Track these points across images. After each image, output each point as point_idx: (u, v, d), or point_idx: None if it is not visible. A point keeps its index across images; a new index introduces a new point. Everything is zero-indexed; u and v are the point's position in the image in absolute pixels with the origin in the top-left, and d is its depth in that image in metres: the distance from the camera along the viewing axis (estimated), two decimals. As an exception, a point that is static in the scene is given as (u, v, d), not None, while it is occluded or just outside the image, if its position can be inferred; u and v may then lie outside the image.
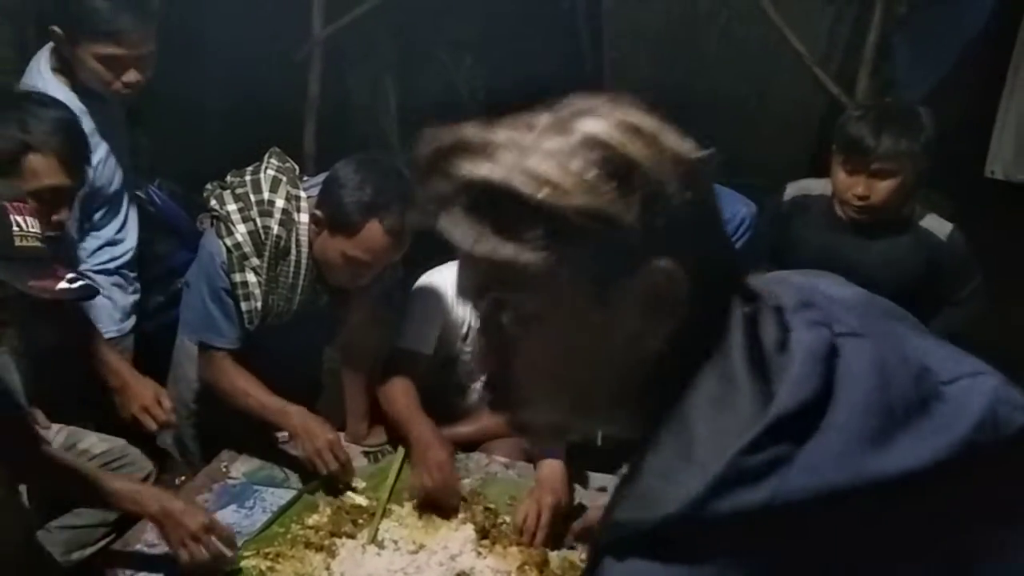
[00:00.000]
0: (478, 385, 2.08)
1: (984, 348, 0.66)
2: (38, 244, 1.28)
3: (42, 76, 1.81)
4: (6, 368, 1.48)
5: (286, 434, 1.81)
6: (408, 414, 1.82)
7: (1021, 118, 2.83)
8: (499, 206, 0.57)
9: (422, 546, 1.56)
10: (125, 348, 1.98)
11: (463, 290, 0.64)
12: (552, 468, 1.70)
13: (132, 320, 2.01)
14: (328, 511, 1.65)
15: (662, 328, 0.58)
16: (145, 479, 1.73)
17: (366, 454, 1.88)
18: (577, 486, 1.76)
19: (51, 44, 1.82)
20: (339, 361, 1.99)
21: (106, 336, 1.91)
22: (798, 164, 2.17)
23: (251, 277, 1.75)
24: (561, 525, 1.61)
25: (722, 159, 0.61)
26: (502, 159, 0.57)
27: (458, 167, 0.58)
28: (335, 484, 1.70)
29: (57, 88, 1.78)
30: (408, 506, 1.67)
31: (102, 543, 1.61)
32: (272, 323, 1.81)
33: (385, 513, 1.65)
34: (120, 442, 1.77)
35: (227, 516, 1.62)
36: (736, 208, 2.17)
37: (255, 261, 1.75)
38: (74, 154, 1.54)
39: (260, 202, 1.75)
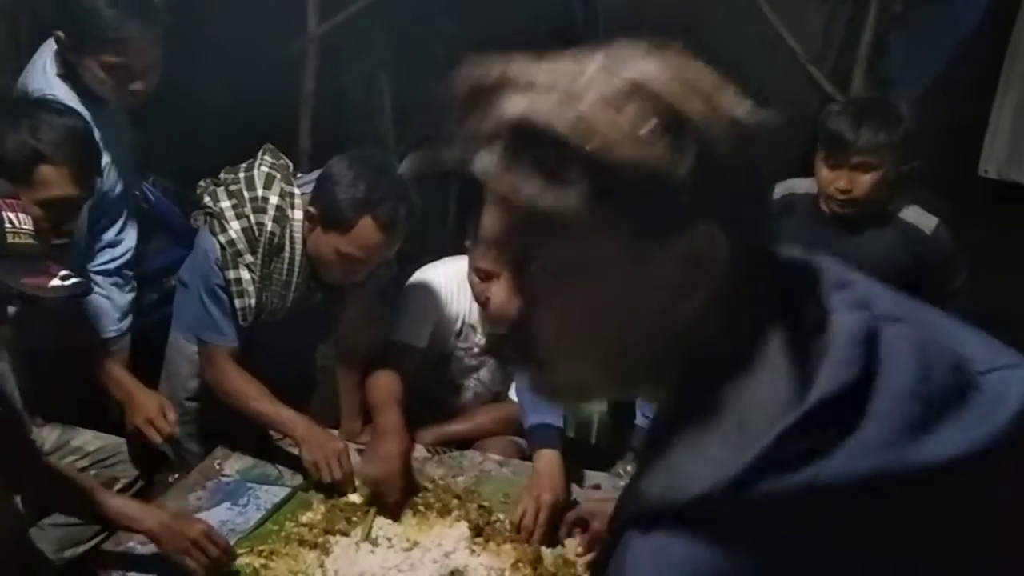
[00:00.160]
0: (472, 383, 2.08)
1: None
2: (31, 241, 1.27)
3: (48, 80, 1.78)
4: (3, 377, 1.47)
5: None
6: (381, 403, 1.81)
7: (1015, 117, 2.84)
8: (543, 150, 0.54)
9: (416, 543, 1.56)
10: (123, 347, 1.98)
11: (490, 237, 0.60)
12: (550, 460, 1.70)
13: (130, 319, 2.00)
14: (322, 509, 1.64)
15: (698, 294, 0.55)
16: (133, 483, 1.73)
17: (360, 451, 1.87)
18: (572, 484, 1.76)
19: (54, 47, 1.80)
20: (333, 358, 1.99)
21: (106, 336, 1.91)
22: (792, 163, 2.17)
23: (245, 274, 1.75)
24: (558, 522, 1.61)
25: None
26: (550, 101, 0.53)
27: (501, 104, 0.55)
28: (333, 489, 1.69)
29: (64, 94, 1.76)
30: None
31: (94, 541, 1.60)
32: (266, 320, 1.81)
33: (379, 510, 1.64)
34: (113, 440, 1.77)
35: (221, 514, 1.61)
36: None
37: (249, 258, 1.74)
38: (85, 165, 1.53)
39: (254, 199, 1.75)
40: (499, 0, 3.03)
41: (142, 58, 1.75)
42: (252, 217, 1.73)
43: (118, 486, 1.72)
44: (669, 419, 0.57)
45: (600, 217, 0.54)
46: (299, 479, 1.73)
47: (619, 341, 0.58)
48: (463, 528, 1.60)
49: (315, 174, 1.79)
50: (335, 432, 1.90)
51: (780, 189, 2.15)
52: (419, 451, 1.84)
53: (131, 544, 1.51)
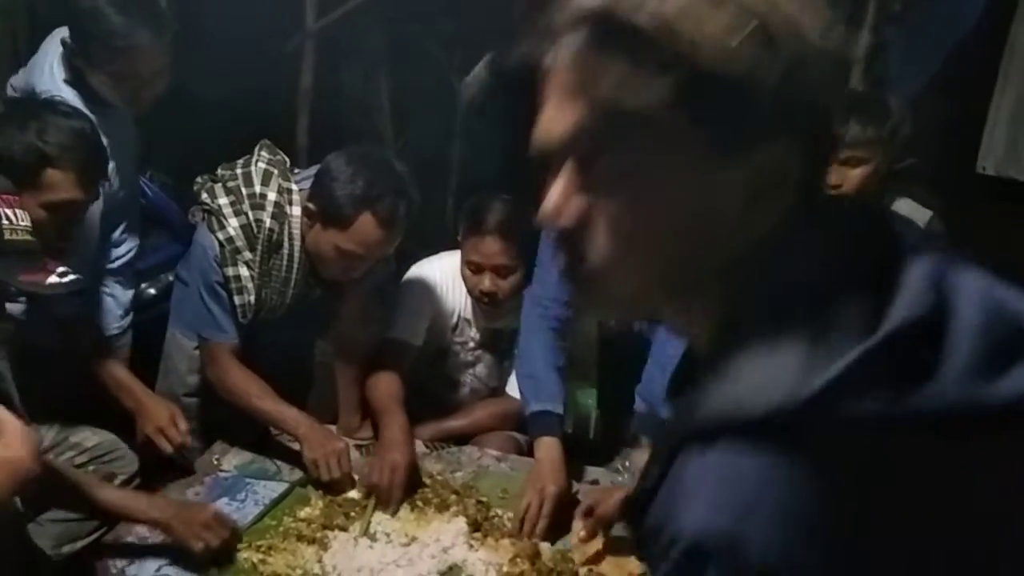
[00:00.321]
0: (469, 378, 2.08)
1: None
2: (28, 237, 1.27)
3: (56, 84, 1.76)
4: (1, 374, 1.47)
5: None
6: (384, 406, 1.81)
7: (1013, 114, 2.84)
8: (630, 42, 0.51)
9: (414, 539, 1.56)
10: (125, 343, 1.98)
11: (557, 132, 0.56)
12: (551, 448, 1.70)
13: (131, 316, 2.01)
14: (320, 504, 1.65)
15: (767, 212, 0.54)
16: (131, 478, 1.73)
17: (358, 447, 1.87)
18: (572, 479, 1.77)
19: (60, 50, 1.78)
20: (332, 354, 1.99)
21: (109, 333, 1.91)
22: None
23: (244, 271, 1.75)
24: (559, 516, 1.61)
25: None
26: None
27: None
28: (332, 487, 1.69)
29: (72, 100, 1.73)
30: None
31: (93, 536, 1.60)
32: (266, 317, 1.81)
33: (377, 506, 1.65)
34: (111, 436, 1.77)
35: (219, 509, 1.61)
36: None
37: (248, 255, 1.74)
38: (91, 168, 1.52)
39: (252, 195, 1.74)
40: (497, -4, 3.02)
41: (151, 65, 1.73)
42: (251, 214, 1.73)
43: (117, 481, 1.71)
44: (720, 342, 0.55)
45: (680, 118, 0.52)
46: (297, 474, 1.73)
47: (679, 253, 0.55)
48: (461, 523, 1.60)
49: (313, 170, 1.79)
50: (334, 428, 1.91)
51: None
52: (417, 447, 1.84)
53: (129, 539, 1.52)
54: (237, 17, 2.76)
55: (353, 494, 1.69)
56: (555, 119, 0.56)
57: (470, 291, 1.95)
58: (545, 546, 1.57)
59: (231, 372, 1.78)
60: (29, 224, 1.35)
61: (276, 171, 1.78)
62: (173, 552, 1.47)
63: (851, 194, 1.94)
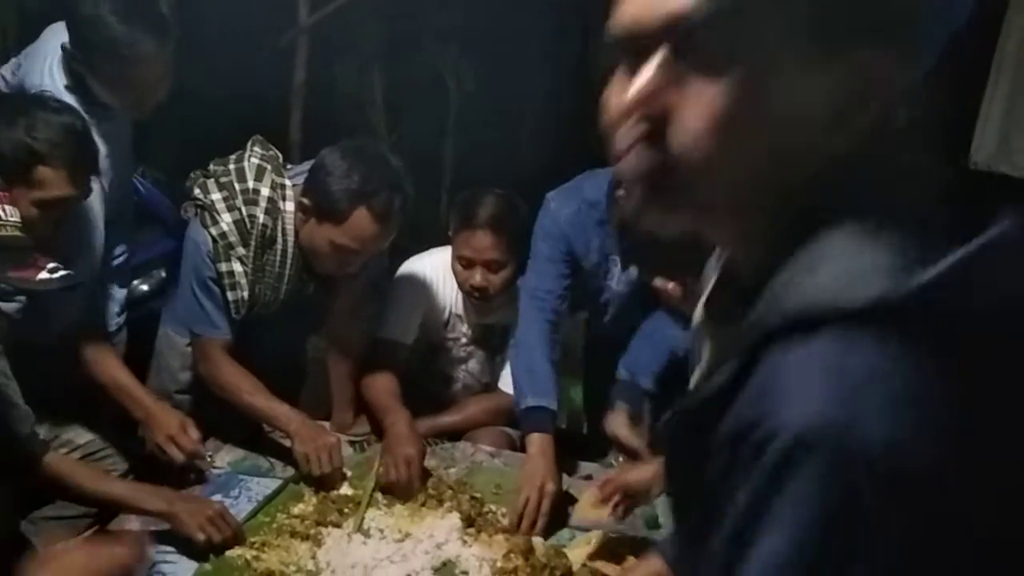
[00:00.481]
0: (461, 374, 2.08)
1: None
2: (18, 234, 1.27)
3: (56, 88, 1.72)
4: (2, 376, 1.46)
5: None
6: (386, 404, 1.82)
7: (1005, 110, 2.85)
8: None
9: (408, 534, 1.56)
10: (120, 340, 1.97)
11: (649, 13, 0.53)
12: (545, 444, 1.69)
13: (125, 313, 2.00)
14: (314, 500, 1.65)
15: (858, 121, 0.53)
16: (123, 476, 1.72)
17: (352, 443, 1.88)
18: (564, 475, 1.77)
19: (58, 51, 1.74)
20: (325, 350, 1.99)
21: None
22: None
23: (237, 266, 1.74)
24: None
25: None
26: None
27: None
28: (322, 482, 1.69)
29: (73, 106, 1.68)
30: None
31: (85, 534, 1.60)
32: (259, 313, 1.80)
33: (371, 502, 1.65)
34: (103, 433, 1.76)
35: (212, 506, 1.62)
36: None
37: (241, 250, 1.74)
38: (82, 165, 1.51)
39: (245, 191, 1.74)
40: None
41: (154, 72, 1.71)
42: (244, 209, 1.73)
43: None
44: (792, 247, 0.53)
45: (783, 11, 0.50)
46: (291, 471, 1.73)
47: (772, 150, 0.53)
48: (455, 519, 1.60)
49: (306, 165, 1.79)
50: (327, 424, 1.91)
51: None
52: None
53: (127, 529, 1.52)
54: (230, 12, 2.75)
55: (347, 490, 1.69)
56: (634, 3, 0.54)
57: (461, 286, 1.95)
58: (538, 541, 1.57)
59: (223, 368, 1.77)
60: (19, 220, 1.34)
61: (269, 166, 1.77)
62: (165, 549, 1.47)
63: None
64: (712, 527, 0.53)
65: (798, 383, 0.48)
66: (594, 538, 1.59)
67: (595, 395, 2.13)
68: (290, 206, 1.75)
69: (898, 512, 0.46)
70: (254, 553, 1.48)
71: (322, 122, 3.18)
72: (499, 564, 1.49)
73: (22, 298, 1.56)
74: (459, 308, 2.02)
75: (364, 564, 1.47)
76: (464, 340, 2.06)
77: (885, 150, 0.54)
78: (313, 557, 1.49)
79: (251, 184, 1.74)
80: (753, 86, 0.51)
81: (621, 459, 1.90)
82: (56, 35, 1.79)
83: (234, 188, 1.74)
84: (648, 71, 0.54)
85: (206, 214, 1.74)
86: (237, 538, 1.50)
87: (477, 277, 1.89)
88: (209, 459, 1.76)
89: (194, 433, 1.64)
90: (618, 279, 1.94)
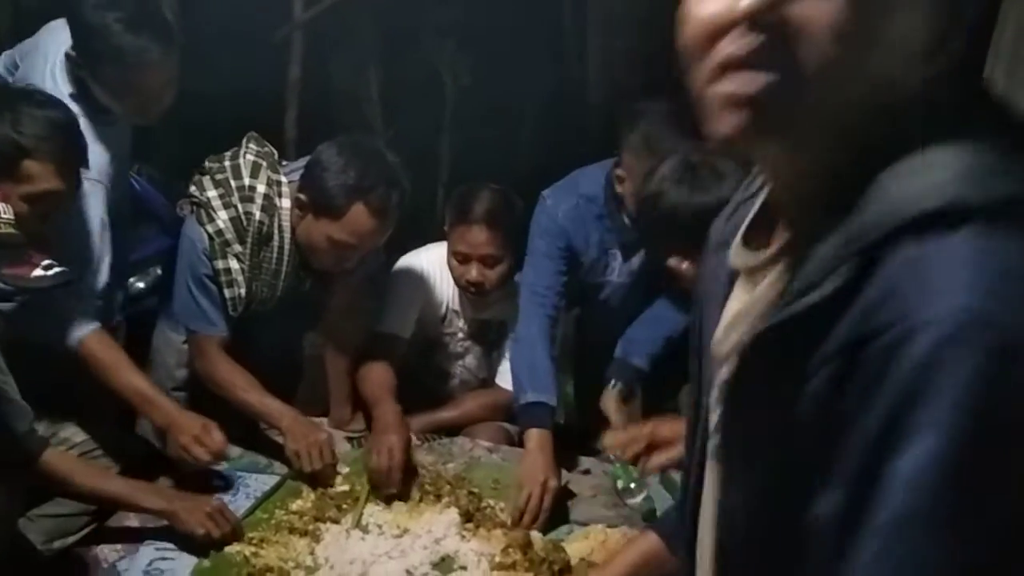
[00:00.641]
0: (458, 370, 2.08)
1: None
2: (11, 231, 1.26)
3: (59, 93, 1.68)
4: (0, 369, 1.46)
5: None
6: (377, 395, 1.82)
7: (1002, 93, 2.85)
8: None
9: (406, 530, 1.56)
10: (118, 338, 1.96)
11: None
12: (543, 440, 1.69)
13: (124, 312, 2.00)
14: (312, 496, 1.65)
15: (945, 52, 0.53)
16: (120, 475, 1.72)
17: (349, 439, 1.87)
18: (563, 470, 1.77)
19: (60, 53, 1.72)
20: (322, 346, 1.99)
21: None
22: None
23: (234, 264, 1.74)
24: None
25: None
26: None
27: None
28: (314, 479, 1.68)
29: (77, 114, 1.64)
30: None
31: (84, 532, 1.60)
32: (256, 309, 1.80)
33: (369, 498, 1.65)
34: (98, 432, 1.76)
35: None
36: None
37: (237, 247, 1.73)
38: (70, 158, 1.49)
39: (241, 188, 1.74)
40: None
41: (159, 80, 1.69)
42: (240, 206, 1.72)
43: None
44: (882, 160, 0.53)
45: None
46: (288, 468, 1.73)
47: (875, 75, 0.52)
48: (453, 514, 1.60)
49: (301, 162, 1.78)
50: (324, 420, 1.91)
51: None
52: (408, 438, 1.84)
53: (123, 527, 1.53)
54: (224, 9, 2.74)
55: (345, 486, 1.69)
56: None
57: (456, 281, 1.94)
58: (537, 536, 1.57)
59: (218, 365, 1.77)
60: (12, 217, 1.33)
61: (265, 163, 1.77)
62: (164, 546, 1.47)
63: None
64: (798, 461, 0.51)
65: (940, 278, 0.47)
66: (592, 533, 1.59)
67: (586, 392, 2.14)
68: (286, 203, 1.75)
69: None
70: (253, 549, 1.49)
71: (318, 118, 3.18)
72: (498, 559, 1.50)
73: (18, 298, 1.56)
74: (456, 304, 2.02)
75: (363, 560, 1.48)
76: (461, 336, 2.06)
77: (960, 86, 0.54)
78: (311, 553, 1.49)
79: (247, 181, 1.74)
80: (875, 2, 0.51)
81: (620, 453, 1.90)
82: (54, 35, 1.78)
83: (230, 185, 1.74)
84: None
85: (202, 211, 1.74)
86: (236, 534, 1.50)
87: (473, 272, 1.89)
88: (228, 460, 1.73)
89: (218, 434, 1.61)
90: (619, 271, 1.95)
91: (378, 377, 1.87)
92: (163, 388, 1.89)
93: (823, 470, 0.50)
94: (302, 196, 1.71)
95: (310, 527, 1.55)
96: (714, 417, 0.66)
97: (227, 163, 1.77)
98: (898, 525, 0.46)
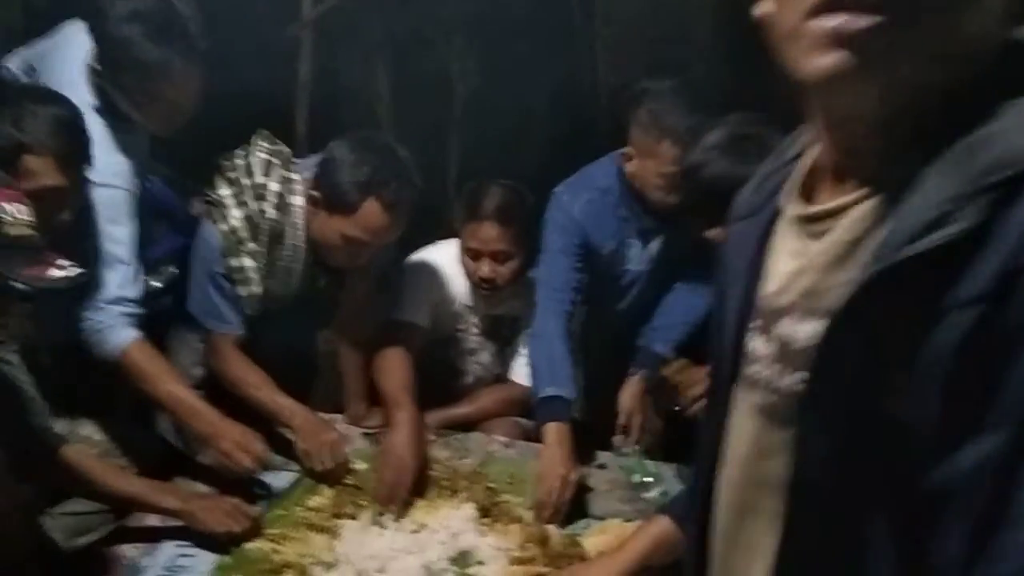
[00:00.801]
0: (473, 366, 2.08)
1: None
2: (29, 232, 1.27)
3: (81, 103, 1.65)
4: (16, 368, 1.47)
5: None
6: (395, 396, 1.76)
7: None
8: None
9: (424, 525, 1.57)
10: None
11: None
12: (562, 434, 1.68)
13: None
14: (330, 493, 1.65)
15: (1013, 22, 0.55)
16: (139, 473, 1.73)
17: (366, 435, 1.88)
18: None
19: (81, 57, 1.71)
20: (337, 343, 1.99)
21: None
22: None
23: (248, 262, 1.75)
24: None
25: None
26: None
27: None
28: (325, 478, 1.68)
29: (101, 129, 1.67)
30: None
31: (105, 529, 1.61)
32: (270, 307, 1.80)
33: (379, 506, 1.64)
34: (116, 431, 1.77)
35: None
36: None
37: (251, 246, 1.74)
38: (72, 154, 1.48)
39: (254, 186, 1.74)
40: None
41: (184, 91, 1.68)
42: (253, 205, 1.73)
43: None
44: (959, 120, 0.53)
45: None
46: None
47: (966, 31, 0.53)
48: (470, 509, 1.61)
49: (312, 159, 1.79)
50: (339, 417, 1.91)
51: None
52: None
53: (144, 526, 1.54)
54: (233, 7, 2.74)
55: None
56: None
57: (469, 277, 1.95)
58: (554, 530, 1.58)
59: (232, 363, 1.78)
60: (31, 219, 1.34)
61: (277, 161, 1.77)
62: (185, 544, 1.48)
63: None
64: (916, 407, 0.50)
65: None
66: (609, 527, 1.59)
67: (597, 386, 2.14)
68: (299, 200, 1.75)
69: None
70: (272, 545, 1.49)
71: (328, 116, 3.18)
72: (515, 553, 1.50)
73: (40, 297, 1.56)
74: (469, 300, 2.02)
75: (381, 555, 1.48)
76: (475, 332, 2.06)
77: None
78: (331, 549, 1.50)
79: (259, 179, 1.74)
80: None
81: (636, 446, 1.91)
82: (71, 41, 1.77)
83: (242, 184, 1.74)
84: None
85: (216, 210, 1.74)
86: (256, 530, 1.51)
87: (485, 268, 1.89)
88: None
89: (260, 445, 1.62)
90: (639, 259, 1.95)
91: (396, 373, 1.81)
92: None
93: (962, 415, 0.49)
94: (315, 193, 1.71)
95: (328, 523, 1.56)
96: (757, 370, 0.68)
97: (238, 161, 1.77)
98: None
